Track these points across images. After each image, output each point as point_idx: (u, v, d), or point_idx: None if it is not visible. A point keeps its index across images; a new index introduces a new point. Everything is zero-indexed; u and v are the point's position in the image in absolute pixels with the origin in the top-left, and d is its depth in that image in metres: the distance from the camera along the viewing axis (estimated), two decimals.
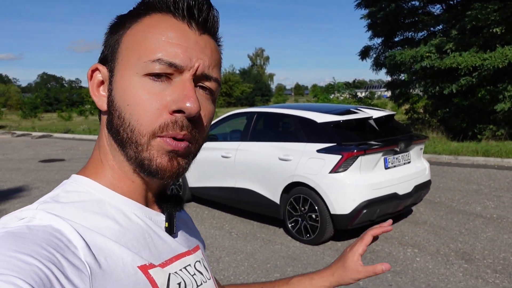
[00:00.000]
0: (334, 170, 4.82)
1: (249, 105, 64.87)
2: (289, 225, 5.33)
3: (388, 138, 5.22)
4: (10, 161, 12.81)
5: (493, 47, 10.94)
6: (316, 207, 4.97)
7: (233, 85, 70.25)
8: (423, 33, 15.38)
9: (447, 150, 10.56)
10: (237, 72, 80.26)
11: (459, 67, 10.89)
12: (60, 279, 0.50)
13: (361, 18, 15.07)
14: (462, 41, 11.33)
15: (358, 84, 16.90)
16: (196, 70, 0.63)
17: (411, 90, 13.91)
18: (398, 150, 5.13)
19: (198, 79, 0.64)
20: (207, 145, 6.51)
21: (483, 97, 11.41)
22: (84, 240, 0.57)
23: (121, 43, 0.66)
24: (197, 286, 0.70)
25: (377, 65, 16.85)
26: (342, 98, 18.11)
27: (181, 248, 0.72)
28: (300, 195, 5.14)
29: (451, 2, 14.98)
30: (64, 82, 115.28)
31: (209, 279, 0.76)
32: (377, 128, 5.36)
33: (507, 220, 5.80)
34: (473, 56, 10.81)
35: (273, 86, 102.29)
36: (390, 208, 5.09)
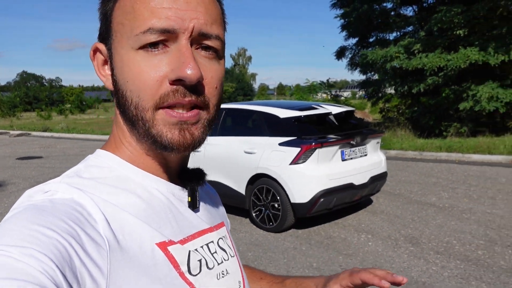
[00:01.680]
0: (294, 161, 5.18)
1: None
2: (253, 214, 5.68)
3: (345, 132, 5.60)
4: None
5: (457, 48, 11.49)
6: (278, 197, 5.33)
7: None
8: (396, 34, 15.94)
9: (413, 146, 11.06)
10: None
11: (425, 67, 11.41)
12: (79, 252, 0.51)
13: (335, 17, 15.54)
14: (429, 42, 11.86)
15: (332, 83, 17.36)
16: (192, 31, 0.60)
17: (383, 89, 14.43)
18: (354, 143, 5.52)
19: (196, 40, 0.61)
20: None
21: (448, 96, 11.95)
22: (104, 215, 0.57)
23: (112, 18, 0.63)
24: (218, 264, 0.69)
25: (352, 65, 17.36)
26: (320, 97, 18.53)
27: (204, 224, 0.71)
28: (264, 186, 5.49)
29: (424, 4, 15.56)
30: (44, 81, 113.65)
31: (233, 257, 0.75)
32: (336, 123, 5.74)
33: (457, 208, 6.25)
34: (438, 57, 11.34)
35: (255, 85, 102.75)
36: (347, 197, 5.48)
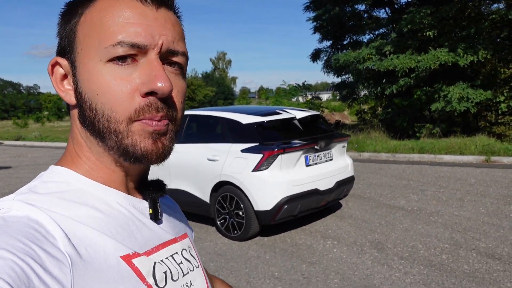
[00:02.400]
0: (256, 168, 5.07)
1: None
2: (218, 223, 5.54)
3: (309, 137, 5.51)
4: None
5: (427, 49, 11.57)
6: (242, 205, 5.21)
7: (196, 89, 69.74)
8: (369, 36, 16.01)
9: (386, 148, 11.08)
10: (200, 76, 79.95)
11: (396, 69, 11.45)
12: (38, 272, 0.49)
13: (307, 20, 15.54)
14: (400, 44, 11.92)
15: (308, 86, 17.35)
16: (161, 47, 0.61)
17: (357, 91, 14.47)
18: (318, 148, 5.43)
19: (164, 56, 0.62)
20: None
21: (420, 97, 12.02)
22: (63, 230, 0.55)
23: (77, 32, 0.63)
24: (184, 274, 0.69)
25: (328, 67, 17.37)
26: (296, 100, 18.47)
27: (167, 235, 0.70)
28: (227, 194, 5.36)
29: (396, 6, 15.67)
30: (21, 88, 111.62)
31: (197, 267, 0.74)
32: (300, 127, 5.65)
33: (425, 211, 6.21)
34: (408, 58, 11.40)
35: (236, 89, 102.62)
36: (313, 203, 5.38)
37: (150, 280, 0.62)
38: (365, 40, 15.16)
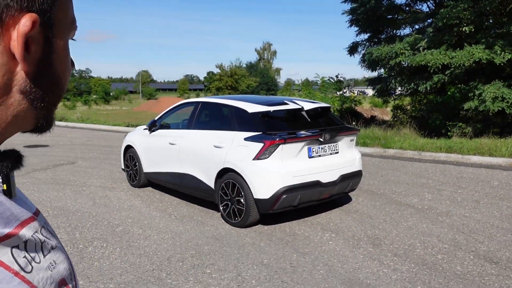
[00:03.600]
0: (257, 157, 5.13)
1: None
2: (221, 208, 5.66)
3: (315, 129, 5.51)
4: None
5: (463, 46, 11.13)
6: (242, 192, 5.30)
7: (239, 79, 70.50)
8: (408, 30, 15.56)
9: (413, 145, 10.80)
10: (244, 65, 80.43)
11: (429, 64, 11.10)
12: None
13: (343, 13, 15.28)
14: (435, 39, 11.52)
15: (341, 80, 17.09)
16: None
17: (391, 87, 14.13)
18: (322, 140, 5.42)
19: None
20: (159, 132, 6.89)
21: (454, 95, 11.60)
22: None
23: None
24: (44, 255, 0.64)
25: (364, 61, 17.05)
26: (332, 95, 18.20)
27: (25, 213, 0.63)
28: (230, 181, 5.46)
29: (438, 0, 15.12)
30: (74, 71, 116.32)
31: (57, 244, 0.70)
32: (307, 119, 5.65)
33: (435, 211, 6.07)
34: (442, 54, 11.01)
35: (280, 80, 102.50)
36: (314, 195, 5.39)
37: (16, 267, 0.56)
38: (402, 35, 14.75)
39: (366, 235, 5.19)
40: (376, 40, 16.06)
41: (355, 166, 5.88)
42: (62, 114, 24.78)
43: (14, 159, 0.65)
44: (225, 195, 5.56)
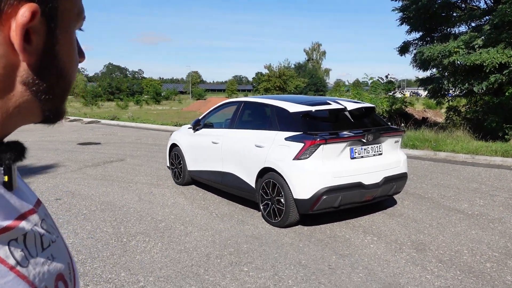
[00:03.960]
0: (297, 157, 5.09)
1: None
2: (261, 208, 5.66)
3: (358, 129, 5.38)
4: (52, 142, 13.99)
5: None
6: (282, 192, 5.26)
7: (287, 79, 70.26)
8: (463, 28, 14.87)
9: (466, 149, 10.32)
10: (292, 66, 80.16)
11: (484, 64, 10.56)
12: None
13: (393, 10, 14.82)
14: (492, 37, 10.95)
15: (392, 80, 16.58)
16: None
17: (443, 87, 13.54)
18: (365, 141, 5.28)
19: None
20: (203, 131, 6.98)
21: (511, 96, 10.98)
22: None
23: None
24: (43, 249, 0.63)
25: (416, 61, 16.48)
26: (380, 94, 17.76)
27: (25, 205, 0.63)
28: (270, 180, 5.45)
29: None
30: (128, 72, 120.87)
31: (58, 237, 0.69)
32: (350, 119, 5.53)
33: (486, 217, 5.77)
34: (500, 53, 10.44)
35: (330, 81, 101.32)
36: (355, 197, 5.27)
37: (12, 261, 0.56)
38: (457, 33, 14.11)
39: (410, 239, 5.01)
40: (428, 39, 15.47)
41: (400, 168, 5.70)
42: (114, 114, 25.75)
43: (17, 151, 0.64)
44: (266, 194, 5.55)
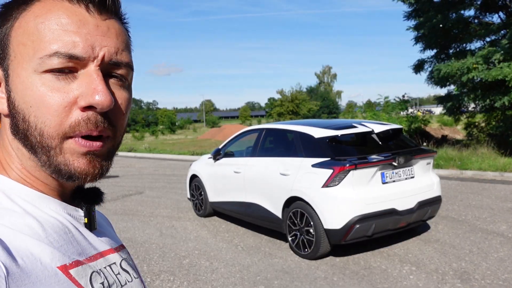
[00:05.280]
0: (326, 184, 4.85)
1: None
2: (289, 239, 5.39)
3: (387, 152, 5.14)
4: None
5: None
6: (311, 222, 5.01)
7: (300, 103, 70.34)
8: (480, 43, 14.62)
9: (494, 166, 9.95)
10: (304, 90, 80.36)
11: (507, 78, 10.28)
12: None
13: (407, 29, 14.66)
14: (510, 50, 10.69)
15: (408, 99, 16.31)
16: (102, 59, 0.57)
17: (462, 104, 13.23)
18: (396, 164, 5.03)
19: (106, 68, 0.59)
20: (224, 161, 6.79)
21: None
22: None
23: (11, 38, 0.58)
24: (121, 286, 0.66)
25: (432, 79, 16.22)
26: (398, 114, 17.44)
27: (104, 245, 0.68)
28: (298, 210, 5.20)
29: (510, 10, 14.16)
30: (142, 104, 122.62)
31: (136, 278, 0.72)
32: (378, 142, 5.30)
33: None
34: None
35: (342, 103, 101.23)
36: (389, 224, 4.99)
37: None
38: (473, 48, 13.86)
39: (451, 268, 4.68)
40: (443, 56, 15.25)
41: (434, 191, 5.41)
42: (131, 145, 25.83)
43: (96, 195, 0.70)
44: (293, 225, 5.30)
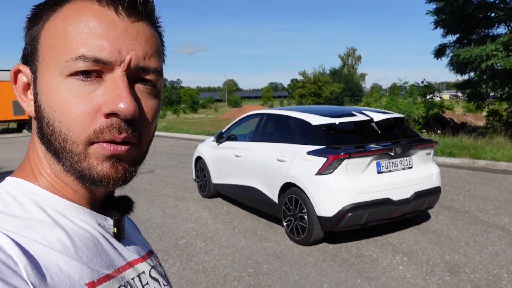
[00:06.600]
0: (320, 172, 4.84)
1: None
2: (284, 224, 5.44)
3: (385, 142, 5.09)
4: None
5: None
6: (305, 209, 5.03)
7: (322, 86, 69.56)
8: (502, 29, 14.11)
9: (508, 156, 9.71)
10: (327, 72, 79.26)
11: None
12: None
13: (427, 13, 14.24)
14: None
15: (430, 85, 15.91)
16: (129, 64, 0.56)
17: (481, 91, 12.85)
18: (393, 154, 4.98)
19: (134, 73, 0.57)
20: (226, 144, 6.85)
21: None
22: (27, 255, 0.51)
23: (40, 39, 0.58)
24: None
25: (452, 64, 15.80)
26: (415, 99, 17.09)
27: (133, 255, 0.67)
28: (293, 196, 5.23)
29: None
30: (166, 82, 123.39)
31: (166, 286, 0.72)
32: (377, 131, 5.25)
33: None
34: None
35: (365, 86, 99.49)
36: (383, 213, 4.97)
37: None
38: (496, 34, 13.39)
39: (443, 260, 4.65)
40: (466, 41, 14.80)
41: (432, 182, 5.34)
42: None
43: (125, 205, 0.70)
44: (288, 210, 5.33)
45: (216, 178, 7.03)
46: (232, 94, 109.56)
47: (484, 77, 12.51)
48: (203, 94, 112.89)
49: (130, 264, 0.65)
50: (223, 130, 7.13)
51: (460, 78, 16.10)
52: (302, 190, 5.04)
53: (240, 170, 6.26)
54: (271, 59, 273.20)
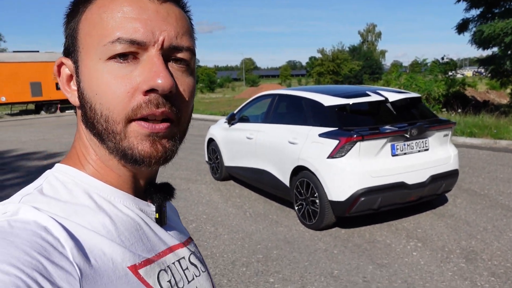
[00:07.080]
0: (332, 155, 4.69)
1: (357, 84, 62.58)
2: (296, 208, 5.32)
3: (401, 123, 4.88)
4: None
5: None
6: (316, 193, 4.90)
7: (341, 63, 68.34)
8: None
9: None
10: (346, 49, 77.78)
11: None
12: (45, 287, 0.46)
13: None
14: None
15: (451, 61, 15.38)
16: (163, 44, 0.59)
17: (505, 67, 12.35)
18: (408, 136, 4.78)
19: (167, 52, 0.60)
20: (238, 126, 6.71)
21: None
22: (73, 238, 0.53)
23: (79, 30, 0.62)
24: (188, 281, 0.68)
25: (475, 40, 15.21)
26: (436, 76, 16.61)
27: (173, 240, 0.69)
28: (304, 179, 5.09)
29: None
30: None
31: (204, 272, 0.74)
32: (393, 112, 5.04)
33: None
34: None
35: (386, 63, 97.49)
36: (397, 198, 4.81)
37: None
38: None
39: (459, 246, 4.48)
40: (490, 15, 14.20)
41: (450, 165, 5.13)
42: None
43: (167, 191, 0.71)
44: (300, 194, 5.21)
45: (228, 160, 6.93)
46: (250, 73, 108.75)
47: (509, 52, 12.00)
48: (221, 73, 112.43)
49: (171, 249, 0.67)
50: (235, 112, 6.99)
51: (483, 53, 15.54)
52: (313, 173, 4.90)
53: (252, 152, 6.14)
54: (289, 36, 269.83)
